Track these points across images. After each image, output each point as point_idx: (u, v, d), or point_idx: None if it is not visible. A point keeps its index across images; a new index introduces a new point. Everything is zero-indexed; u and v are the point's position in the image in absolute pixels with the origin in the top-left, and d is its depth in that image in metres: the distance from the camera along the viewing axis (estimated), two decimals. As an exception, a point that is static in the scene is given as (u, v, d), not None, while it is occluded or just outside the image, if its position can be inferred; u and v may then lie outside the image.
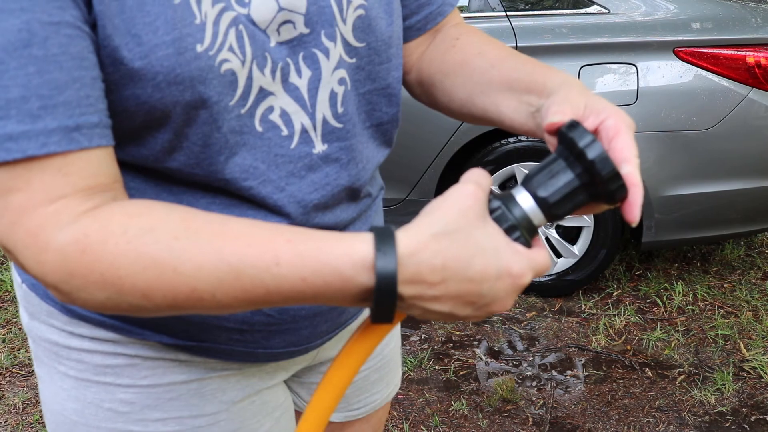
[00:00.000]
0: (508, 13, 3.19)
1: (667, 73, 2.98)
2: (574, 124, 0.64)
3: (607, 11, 3.09)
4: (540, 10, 3.31)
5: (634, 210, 0.66)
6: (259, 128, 0.76)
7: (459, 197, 0.63)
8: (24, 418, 2.62)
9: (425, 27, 0.94)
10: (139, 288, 0.62)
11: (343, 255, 0.61)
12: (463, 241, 0.61)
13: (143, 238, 0.62)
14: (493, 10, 3.23)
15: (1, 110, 0.61)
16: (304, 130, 0.79)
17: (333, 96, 0.80)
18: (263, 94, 0.75)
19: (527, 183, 0.67)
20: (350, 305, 0.64)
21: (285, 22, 0.74)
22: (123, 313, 0.66)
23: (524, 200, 0.66)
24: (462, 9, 3.39)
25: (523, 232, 0.65)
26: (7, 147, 0.61)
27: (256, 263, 0.61)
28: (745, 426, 2.50)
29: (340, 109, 0.81)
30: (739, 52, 2.90)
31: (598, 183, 0.64)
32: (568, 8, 3.20)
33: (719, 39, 2.95)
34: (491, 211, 0.65)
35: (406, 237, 0.61)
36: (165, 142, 0.72)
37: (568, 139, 0.64)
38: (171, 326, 0.84)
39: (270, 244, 0.62)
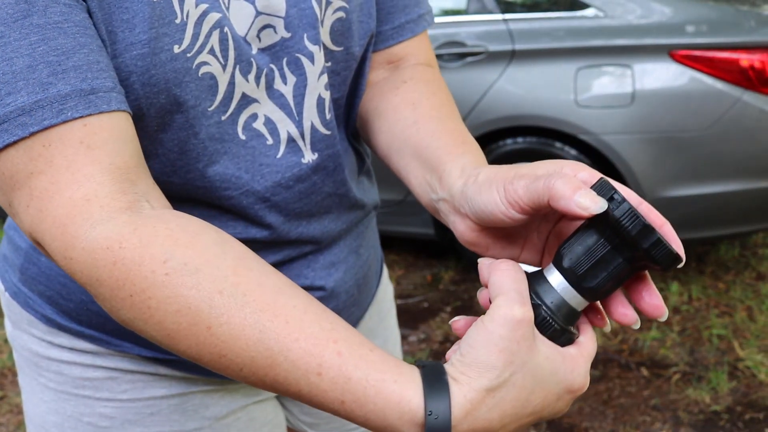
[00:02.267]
0: (505, 16, 3.21)
1: (662, 75, 3.00)
2: (601, 188, 0.55)
3: (603, 14, 3.11)
4: (536, 12, 3.32)
5: (675, 245, 0.57)
6: (242, 136, 0.73)
7: (509, 331, 0.54)
8: (26, 418, 2.63)
9: (375, 46, 0.86)
10: (166, 328, 0.56)
11: (393, 402, 0.54)
12: (520, 384, 0.55)
13: (185, 278, 0.56)
14: (489, 13, 3.25)
15: (8, 85, 0.56)
16: (291, 139, 0.76)
17: (321, 102, 0.77)
18: (246, 100, 0.72)
19: (555, 259, 0.59)
20: None
21: (265, 26, 0.71)
22: (141, 335, 0.60)
23: (555, 279, 0.58)
24: (459, 11, 3.41)
25: (565, 326, 0.58)
26: (21, 122, 0.56)
27: (297, 363, 0.55)
28: (740, 424, 2.52)
29: (328, 116, 0.78)
30: (733, 55, 2.92)
31: (628, 242, 0.55)
32: (564, 11, 3.22)
33: (714, 42, 2.96)
34: (534, 318, 0.56)
35: (461, 393, 0.54)
36: (142, 148, 0.66)
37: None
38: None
39: (318, 348, 0.55)
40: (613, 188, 0.55)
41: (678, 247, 0.56)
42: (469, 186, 0.65)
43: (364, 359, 0.55)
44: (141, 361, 0.85)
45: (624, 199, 0.54)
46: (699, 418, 2.55)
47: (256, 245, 0.77)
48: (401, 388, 0.54)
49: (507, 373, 0.54)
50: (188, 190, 0.73)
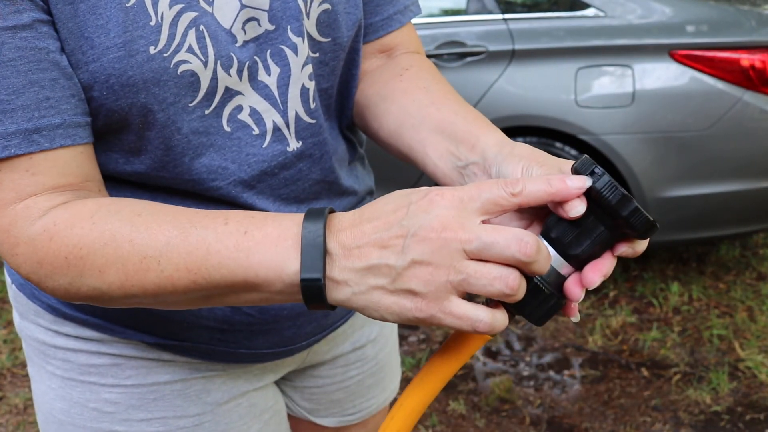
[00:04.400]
0: (505, 16, 3.21)
1: (662, 75, 3.00)
2: (584, 164, 0.61)
3: (603, 14, 3.11)
4: (537, 12, 3.32)
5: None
6: (227, 128, 0.75)
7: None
8: (25, 418, 2.63)
9: (365, 37, 0.89)
10: (97, 266, 0.64)
11: (285, 215, 0.63)
12: (380, 203, 0.61)
13: (108, 218, 0.65)
14: (490, 13, 3.25)
15: None
16: (276, 128, 0.78)
17: (305, 92, 0.79)
18: (230, 94, 0.74)
19: (543, 231, 0.64)
20: (280, 273, 0.61)
21: (249, 19, 0.73)
22: (82, 300, 0.68)
23: None
24: (459, 11, 3.40)
25: (554, 292, 0.61)
26: None
27: (205, 223, 0.63)
28: (740, 425, 2.51)
29: (312, 105, 0.80)
30: (733, 55, 2.92)
31: (609, 211, 0.59)
32: (564, 11, 3.22)
33: (714, 42, 2.96)
34: (527, 284, 0.60)
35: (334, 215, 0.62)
36: (128, 146, 0.73)
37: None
38: (152, 325, 0.84)
39: (225, 212, 0.65)
40: (594, 163, 0.60)
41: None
42: (503, 153, 0.70)
43: (263, 213, 0.65)
44: (145, 347, 0.87)
45: (604, 173, 0.59)
46: (699, 418, 2.54)
47: None
48: (290, 217, 0.63)
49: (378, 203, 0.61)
50: (178, 184, 0.76)
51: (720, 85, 2.94)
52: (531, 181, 0.59)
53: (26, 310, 0.90)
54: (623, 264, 3.66)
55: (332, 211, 0.63)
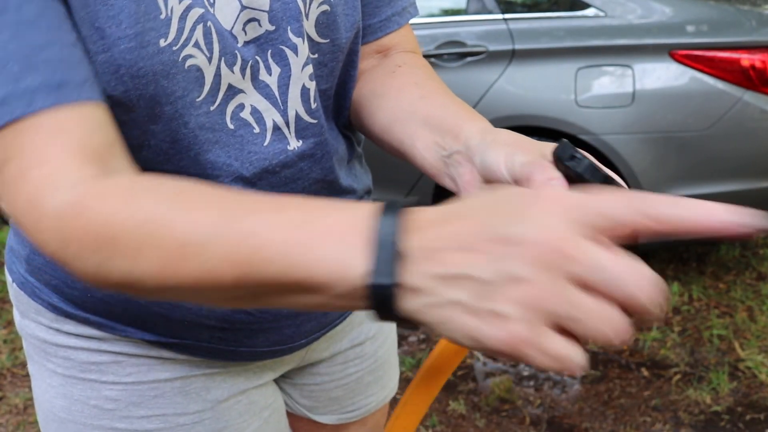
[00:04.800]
0: (505, 16, 3.21)
1: (663, 75, 2.99)
2: (564, 149, 0.59)
3: (603, 14, 3.11)
4: (537, 12, 3.32)
5: None
6: (230, 126, 0.76)
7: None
8: (25, 418, 2.63)
9: (363, 39, 0.90)
10: (131, 248, 0.56)
11: (353, 204, 0.53)
12: (473, 209, 0.50)
13: (145, 195, 0.58)
14: (490, 13, 3.25)
15: None
16: (276, 128, 0.78)
17: (305, 92, 0.79)
18: (232, 91, 0.75)
19: None
20: (343, 274, 0.50)
21: (249, 20, 0.74)
22: (113, 287, 0.60)
23: None
24: (459, 11, 3.40)
25: None
26: None
27: (256, 209, 0.54)
28: (740, 425, 2.51)
29: (313, 105, 0.81)
30: (734, 55, 2.92)
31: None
32: (564, 11, 3.22)
33: (715, 42, 2.96)
34: None
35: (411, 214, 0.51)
36: (133, 138, 0.71)
37: (563, 167, 0.60)
38: (153, 323, 0.84)
39: (277, 197, 0.56)
40: (573, 148, 0.59)
41: None
42: (486, 141, 0.68)
43: (322, 200, 0.55)
44: (145, 345, 0.87)
45: (584, 156, 0.58)
46: (699, 418, 2.54)
47: None
48: (358, 207, 0.52)
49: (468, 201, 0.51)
50: (180, 176, 0.75)
51: (720, 85, 2.93)
52: (667, 203, 0.46)
53: (27, 308, 0.90)
54: (623, 264, 3.65)
55: (407, 205, 0.52)
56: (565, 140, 0.61)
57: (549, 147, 0.63)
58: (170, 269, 0.55)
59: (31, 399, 2.70)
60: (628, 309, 0.45)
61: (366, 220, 0.50)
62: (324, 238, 0.51)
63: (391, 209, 0.50)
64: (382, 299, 0.49)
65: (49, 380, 0.91)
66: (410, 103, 0.80)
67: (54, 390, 0.90)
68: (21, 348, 3.02)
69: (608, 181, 0.58)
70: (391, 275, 0.48)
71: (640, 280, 0.45)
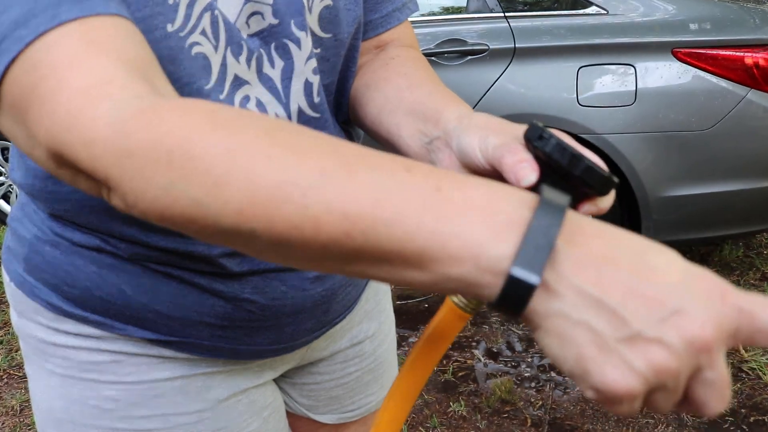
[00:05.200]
0: (507, 14, 3.19)
1: (665, 73, 2.98)
2: (532, 130, 0.59)
3: (605, 12, 3.09)
4: (538, 11, 3.31)
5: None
6: None
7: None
8: (21, 420, 2.61)
9: (364, 35, 0.91)
10: (212, 174, 0.47)
11: (496, 186, 0.47)
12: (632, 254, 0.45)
13: (237, 120, 0.49)
14: (491, 11, 3.23)
15: (2, 4, 0.54)
16: None
17: (308, 86, 0.80)
18: (238, 82, 0.74)
19: None
20: (477, 252, 0.44)
21: (253, 13, 0.74)
22: (171, 220, 0.50)
23: None
24: (460, 10, 3.39)
25: None
26: (18, 35, 0.53)
27: (379, 163, 0.47)
28: (744, 427, 2.49)
29: (316, 99, 0.81)
30: (737, 53, 2.90)
31: (562, 173, 0.57)
32: (566, 9, 3.20)
33: (717, 40, 2.94)
34: None
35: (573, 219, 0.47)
36: None
37: (532, 148, 0.59)
38: (153, 322, 0.84)
39: (402, 158, 0.48)
40: (542, 128, 0.58)
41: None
42: (462, 125, 0.67)
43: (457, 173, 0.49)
44: (145, 344, 0.86)
45: (552, 135, 0.57)
46: (703, 420, 2.53)
47: None
48: (506, 189, 0.47)
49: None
50: None
51: (723, 83, 2.92)
52: None
53: (25, 308, 0.89)
54: (625, 264, 3.64)
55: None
56: (535, 121, 0.60)
57: (520, 128, 0.63)
58: (259, 209, 0.46)
59: (27, 401, 2.69)
60: (694, 408, 0.46)
61: (520, 207, 0.45)
62: (464, 210, 0.45)
63: (552, 205, 0.45)
64: (517, 292, 0.44)
65: (47, 381, 0.90)
66: (397, 94, 0.80)
67: (52, 390, 0.89)
68: (17, 349, 3.01)
69: (577, 158, 0.56)
70: (539, 270, 0.43)
71: (727, 397, 0.45)
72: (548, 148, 0.57)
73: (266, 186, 0.46)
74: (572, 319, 0.43)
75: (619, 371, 0.43)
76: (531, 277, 0.43)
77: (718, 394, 0.44)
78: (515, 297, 0.44)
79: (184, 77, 0.70)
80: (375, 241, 0.45)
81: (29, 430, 2.56)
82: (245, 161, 0.46)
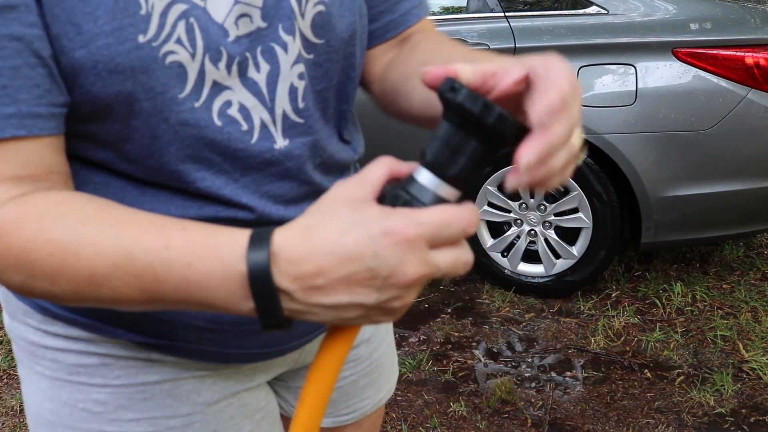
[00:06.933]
0: (507, 14, 3.19)
1: (666, 73, 2.98)
2: (445, 83, 0.60)
3: (605, 12, 3.08)
4: (539, 10, 3.30)
5: (525, 149, 0.57)
6: (218, 123, 0.75)
7: (332, 188, 0.61)
8: (21, 420, 2.61)
9: (385, 35, 0.92)
10: (47, 273, 0.63)
11: (225, 241, 0.61)
12: (328, 225, 0.58)
13: (54, 224, 0.63)
14: (491, 11, 3.23)
15: None
16: (263, 125, 0.78)
17: (293, 90, 0.79)
18: (218, 88, 0.74)
19: (420, 159, 0.63)
20: (236, 309, 0.62)
21: (242, 15, 0.74)
22: (38, 297, 0.67)
23: (419, 174, 0.62)
24: (461, 9, 3.38)
25: (417, 203, 0.61)
26: None
27: (149, 248, 0.61)
28: (745, 427, 2.49)
29: (300, 104, 0.80)
30: (738, 53, 2.90)
31: (475, 122, 0.58)
32: (566, 9, 3.20)
33: (718, 40, 2.94)
34: (383, 196, 0.61)
35: (280, 231, 0.59)
36: (116, 132, 0.72)
37: (445, 100, 0.60)
38: (141, 324, 0.84)
39: (165, 230, 0.62)
40: (453, 80, 0.59)
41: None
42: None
43: (207, 227, 0.63)
44: (133, 346, 0.86)
45: (462, 86, 0.58)
46: (703, 420, 2.52)
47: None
48: (236, 232, 0.62)
49: (320, 213, 0.60)
50: (164, 174, 0.76)
51: (724, 83, 2.92)
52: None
53: (15, 310, 0.89)
54: (626, 264, 3.64)
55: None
56: (448, 77, 0.61)
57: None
58: (86, 292, 0.64)
59: (27, 400, 2.69)
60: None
61: (240, 262, 0.60)
62: (210, 281, 0.61)
63: (258, 245, 0.59)
64: (275, 325, 0.61)
65: (37, 383, 0.90)
66: (439, 58, 0.82)
67: (42, 393, 0.89)
68: (18, 349, 3.01)
69: (488, 107, 0.57)
70: (277, 315, 0.60)
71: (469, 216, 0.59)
72: (460, 97, 0.58)
73: (83, 278, 0.63)
74: (327, 318, 0.61)
75: (405, 269, 0.57)
76: (272, 320, 0.61)
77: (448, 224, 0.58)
78: (275, 327, 0.61)
79: (157, 87, 0.70)
80: (172, 301, 0.64)
81: (28, 430, 2.56)
82: (64, 261, 0.63)
